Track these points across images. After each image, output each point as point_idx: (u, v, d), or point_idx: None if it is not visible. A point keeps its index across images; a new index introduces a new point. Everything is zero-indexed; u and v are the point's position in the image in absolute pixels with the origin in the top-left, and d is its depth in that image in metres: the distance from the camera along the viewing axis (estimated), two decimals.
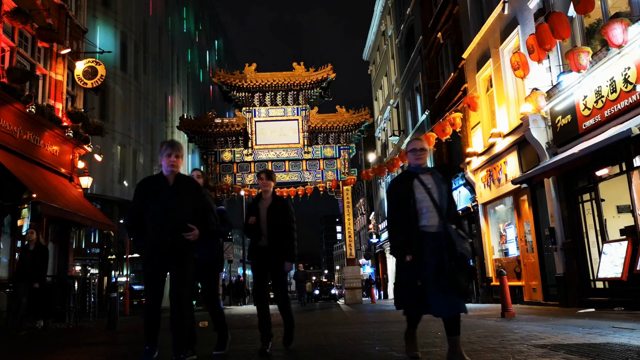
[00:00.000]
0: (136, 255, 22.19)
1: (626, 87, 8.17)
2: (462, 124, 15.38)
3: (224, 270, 34.56)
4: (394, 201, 3.81)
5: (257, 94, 22.61)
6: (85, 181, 14.10)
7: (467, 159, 15.53)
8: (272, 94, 22.74)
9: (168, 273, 3.95)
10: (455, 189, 17.14)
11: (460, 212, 16.60)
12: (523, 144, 11.74)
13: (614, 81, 8.46)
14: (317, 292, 36.46)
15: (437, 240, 3.59)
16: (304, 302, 22.53)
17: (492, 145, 13.65)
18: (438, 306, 3.59)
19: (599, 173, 9.28)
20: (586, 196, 9.90)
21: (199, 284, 4.92)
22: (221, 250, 4.99)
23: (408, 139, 23.88)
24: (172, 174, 3.88)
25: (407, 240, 3.64)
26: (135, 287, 24.04)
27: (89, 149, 14.28)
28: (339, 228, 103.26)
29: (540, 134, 10.82)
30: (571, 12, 9.56)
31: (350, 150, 22.98)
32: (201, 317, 11.87)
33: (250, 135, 22.25)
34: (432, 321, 8.12)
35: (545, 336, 5.04)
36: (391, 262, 31.39)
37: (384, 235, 30.22)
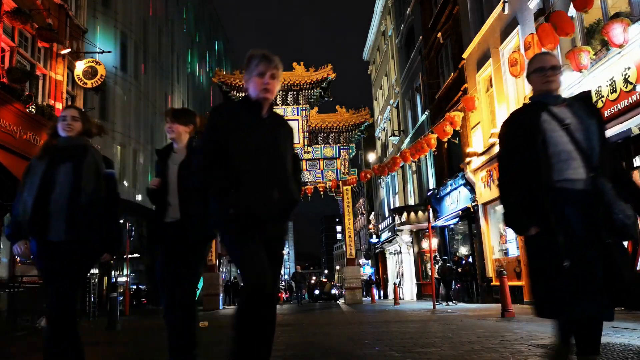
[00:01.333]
0: (136, 255, 22.18)
1: (626, 87, 8.17)
2: (462, 123, 15.38)
3: (223, 270, 34.53)
4: (511, 147, 2.59)
5: None
6: None
7: (467, 159, 15.53)
8: None
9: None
10: (455, 189, 17.14)
11: (460, 212, 16.59)
12: None
13: (614, 81, 8.47)
14: (317, 292, 36.50)
15: (586, 202, 2.39)
16: (301, 302, 22.91)
17: (492, 145, 13.65)
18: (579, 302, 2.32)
19: None
20: None
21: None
22: (116, 233, 3.18)
23: (408, 139, 23.89)
24: (266, 102, 2.53)
25: (531, 203, 2.43)
26: (134, 286, 24.03)
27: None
28: (339, 228, 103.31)
29: None
30: (571, 11, 9.55)
31: (350, 150, 22.98)
32: (201, 317, 11.86)
33: None
34: (432, 321, 8.13)
35: (545, 336, 5.04)
36: (391, 262, 31.35)
37: (384, 235, 30.20)
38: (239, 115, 2.49)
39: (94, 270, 23.69)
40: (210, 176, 2.38)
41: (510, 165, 2.57)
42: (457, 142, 16.32)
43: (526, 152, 2.47)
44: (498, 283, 10.00)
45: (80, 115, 3.20)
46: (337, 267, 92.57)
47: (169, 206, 3.26)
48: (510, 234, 13.53)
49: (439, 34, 18.35)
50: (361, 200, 48.19)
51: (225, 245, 2.43)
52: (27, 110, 11.03)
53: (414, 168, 24.22)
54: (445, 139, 15.45)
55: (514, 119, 2.66)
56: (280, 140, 2.52)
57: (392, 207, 27.90)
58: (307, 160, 22.32)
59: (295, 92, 22.73)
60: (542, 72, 2.61)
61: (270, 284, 2.32)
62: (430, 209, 14.59)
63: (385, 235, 29.99)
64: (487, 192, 14.45)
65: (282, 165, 2.47)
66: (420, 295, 22.71)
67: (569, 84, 9.73)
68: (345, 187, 22.30)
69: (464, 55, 15.82)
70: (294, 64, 22.94)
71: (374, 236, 35.14)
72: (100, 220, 3.03)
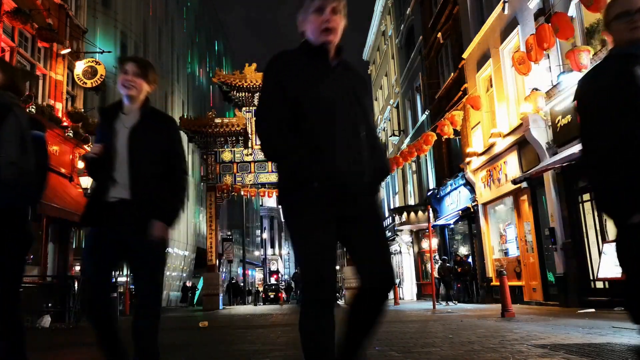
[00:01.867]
0: None
1: None
2: (462, 123, 15.36)
3: (223, 270, 34.47)
4: (599, 113, 1.98)
5: (257, 94, 22.59)
6: (85, 181, 14.09)
7: (467, 159, 15.53)
8: None
9: None
10: (455, 189, 17.14)
11: (460, 212, 16.61)
12: (523, 144, 11.74)
13: None
14: None
15: None
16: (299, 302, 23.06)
17: (492, 145, 13.65)
18: None
19: None
20: (586, 196, 9.90)
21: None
22: (34, 192, 2.66)
23: (408, 139, 23.88)
24: (331, 45, 1.99)
25: (635, 182, 1.87)
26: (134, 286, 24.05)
27: (89, 149, 14.29)
28: None
29: (540, 134, 10.83)
30: (571, 12, 9.56)
31: None
32: (201, 317, 11.89)
33: (250, 135, 22.24)
34: (432, 321, 8.13)
35: (545, 336, 5.04)
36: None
37: None
38: (303, 65, 1.97)
39: None
40: (283, 143, 1.88)
41: (600, 136, 1.97)
42: (457, 137, 16.28)
43: (622, 118, 1.89)
44: (498, 283, 9.98)
45: (0, 65, 2.62)
46: (337, 267, 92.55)
47: (112, 181, 2.57)
48: (511, 234, 13.53)
49: (439, 34, 18.35)
50: None
51: (289, 228, 1.98)
52: (27, 111, 11.03)
53: (414, 168, 24.22)
54: (451, 136, 15.32)
55: (597, 78, 2.05)
56: (359, 92, 2.04)
57: (392, 207, 27.90)
58: None
59: None
60: (628, 16, 2.03)
61: (330, 287, 1.98)
62: (430, 209, 14.59)
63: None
64: (487, 192, 14.45)
65: (367, 122, 1.99)
66: (420, 295, 22.71)
67: (569, 84, 9.74)
68: None
69: (464, 55, 15.83)
70: None
71: None
72: (30, 194, 2.52)
